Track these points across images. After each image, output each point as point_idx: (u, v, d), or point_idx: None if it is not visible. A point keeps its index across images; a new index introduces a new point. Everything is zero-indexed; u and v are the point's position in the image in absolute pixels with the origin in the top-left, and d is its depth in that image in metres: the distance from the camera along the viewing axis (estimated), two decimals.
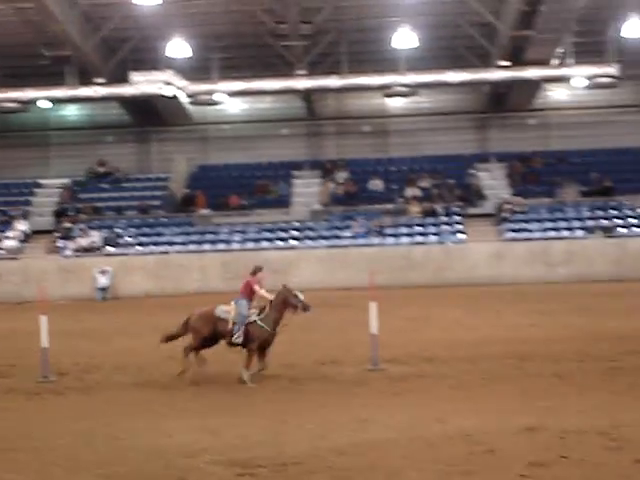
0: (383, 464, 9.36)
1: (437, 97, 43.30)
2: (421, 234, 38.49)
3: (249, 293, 14.96)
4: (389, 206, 40.15)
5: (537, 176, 42.03)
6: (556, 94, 43.49)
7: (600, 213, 38.74)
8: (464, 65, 38.27)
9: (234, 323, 14.70)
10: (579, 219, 38.59)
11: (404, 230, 38.87)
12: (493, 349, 17.18)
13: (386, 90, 38.53)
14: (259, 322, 14.70)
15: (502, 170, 42.47)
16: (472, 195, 40.75)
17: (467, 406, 12.11)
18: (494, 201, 40.04)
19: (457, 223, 39.02)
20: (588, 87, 37.96)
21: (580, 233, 37.68)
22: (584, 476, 8.67)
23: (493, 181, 41.80)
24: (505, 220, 38.70)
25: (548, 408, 11.74)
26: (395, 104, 43.76)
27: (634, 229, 37.57)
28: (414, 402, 12.64)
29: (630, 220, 38.16)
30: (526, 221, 38.68)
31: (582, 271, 35.20)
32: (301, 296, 14.86)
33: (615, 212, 38.84)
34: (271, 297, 14.87)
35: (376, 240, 38.16)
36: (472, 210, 39.87)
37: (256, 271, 15.18)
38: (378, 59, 39.69)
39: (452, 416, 11.44)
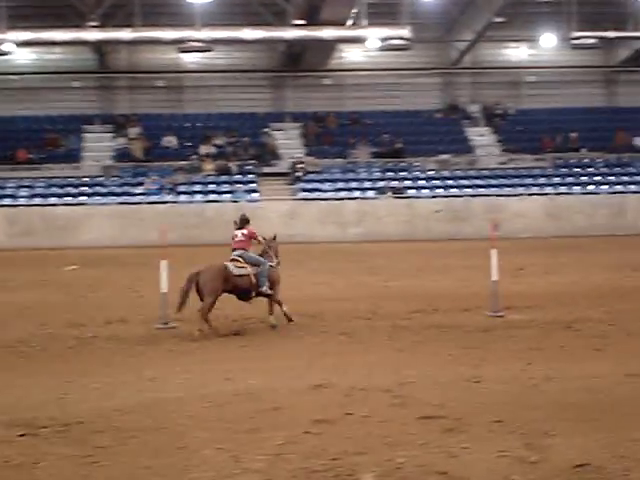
0: (169, 424, 9.17)
1: (233, 54, 43.02)
2: (215, 192, 38.29)
3: (248, 244, 15.27)
4: (183, 163, 39.71)
5: (331, 136, 42.50)
6: (351, 55, 43.98)
7: (391, 174, 39.58)
8: (260, 22, 38.08)
9: (255, 276, 14.84)
10: (370, 180, 39.31)
11: (198, 188, 38.57)
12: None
13: (181, 45, 37.89)
14: (273, 265, 15.27)
15: (296, 130, 42.74)
16: (266, 154, 40.81)
17: (256, 365, 12.05)
18: (288, 160, 40.25)
19: (251, 182, 39.02)
20: (382, 49, 38.53)
21: (371, 193, 38.40)
22: (368, 432, 8.74)
23: (287, 140, 42.00)
24: (299, 180, 38.98)
25: (335, 366, 11.82)
26: (190, 59, 43.15)
27: (423, 190, 38.62)
28: (203, 361, 12.47)
29: (419, 182, 39.19)
30: (319, 181, 39.09)
31: (373, 231, 35.90)
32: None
33: (405, 173, 39.78)
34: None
35: (169, 197, 37.68)
36: (266, 169, 39.96)
37: (246, 221, 15.51)
38: (173, 13, 38.97)
39: (240, 375, 11.35)
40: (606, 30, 37.37)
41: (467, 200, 36.81)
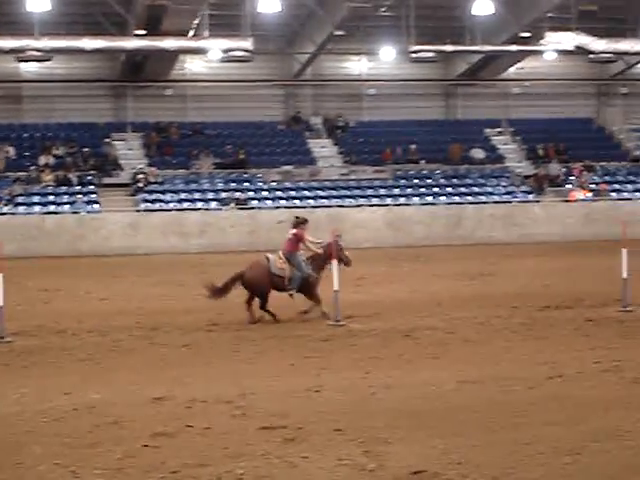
0: (5, 439, 8.97)
1: (73, 63, 42.14)
2: (54, 203, 37.46)
3: (297, 245, 16.16)
4: (21, 174, 38.71)
5: (173, 147, 42.20)
6: (193, 66, 43.78)
7: (234, 185, 39.58)
8: (100, 32, 37.47)
9: (289, 279, 16.01)
10: (213, 191, 39.22)
11: (36, 199, 37.65)
12: (124, 320, 16.98)
13: (19, 54, 36.91)
14: (313, 274, 16.19)
15: (138, 140, 42.25)
16: (107, 164, 40.21)
17: (95, 378, 11.87)
18: (129, 171, 39.76)
19: (91, 193, 38.36)
20: (224, 60, 38.51)
21: (214, 204, 38.31)
22: (208, 444, 8.72)
23: (129, 151, 41.49)
24: (140, 190, 38.54)
25: (176, 378, 11.75)
26: (29, 68, 42.08)
27: (266, 201, 38.77)
28: (41, 375, 12.21)
29: (262, 193, 39.33)
30: (161, 192, 38.76)
31: (216, 242, 35.79)
32: (346, 252, 16.62)
33: (248, 184, 39.86)
34: (317, 249, 16.43)
35: (6, 209, 36.67)
36: (107, 180, 39.36)
37: (300, 223, 16.37)
38: (12, 21, 37.90)
39: (80, 389, 11.17)
40: (444, 44, 38.36)
41: (310, 211, 37.08)
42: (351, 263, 16.87)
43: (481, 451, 8.45)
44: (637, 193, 38.79)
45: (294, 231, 16.42)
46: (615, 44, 37.77)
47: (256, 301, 16.54)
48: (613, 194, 38.73)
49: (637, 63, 42.99)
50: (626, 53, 39.43)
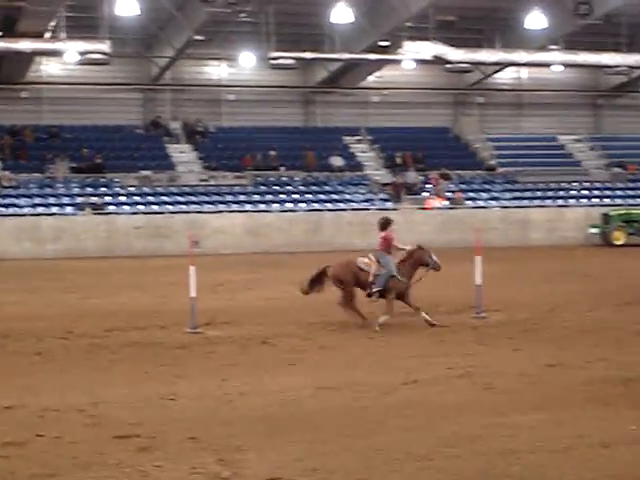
0: None
1: None
2: None
3: (388, 247, 16.19)
4: None
5: (27, 151, 41.17)
6: (49, 68, 42.85)
7: (90, 190, 38.87)
8: None
9: (375, 276, 15.90)
10: (69, 195, 38.43)
11: None
12: None
13: None
14: (398, 276, 16.01)
15: None
16: None
17: None
18: None
19: None
20: (81, 63, 37.79)
21: (70, 209, 37.53)
22: (59, 454, 8.50)
23: None
24: None
25: (28, 387, 11.42)
26: None
27: (123, 207, 38.21)
28: None
29: (120, 198, 38.74)
30: (15, 196, 37.77)
31: (72, 247, 35.08)
32: (434, 257, 16.48)
33: (105, 189, 39.21)
34: (406, 249, 16.45)
35: None
36: None
37: (387, 224, 16.44)
38: None
39: None
40: (303, 51, 38.55)
41: (168, 216, 36.78)
42: (440, 268, 16.75)
43: (336, 457, 8.46)
44: (491, 201, 39.75)
45: (383, 234, 16.51)
46: (472, 54, 38.66)
47: (359, 299, 16.59)
48: (468, 202, 39.59)
49: (493, 73, 44.11)
50: (483, 63, 40.43)
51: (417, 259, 16.56)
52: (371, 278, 16.19)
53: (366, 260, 16.41)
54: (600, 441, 9.07)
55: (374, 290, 16.23)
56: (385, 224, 16.66)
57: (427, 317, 16.28)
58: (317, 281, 16.81)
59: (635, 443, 9.06)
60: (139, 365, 13.06)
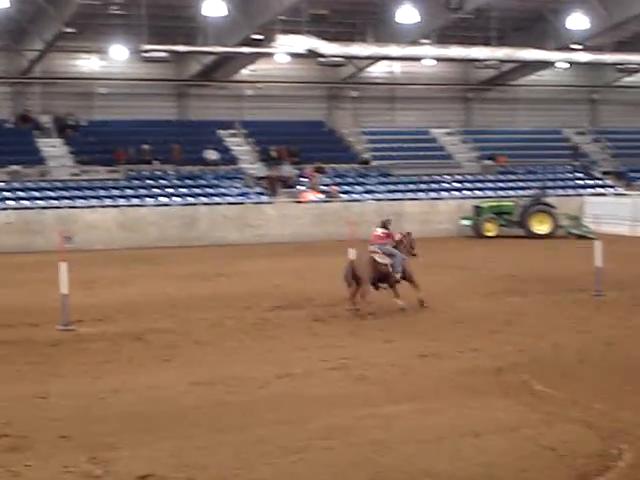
0: None
1: None
2: None
3: (386, 240, 17.83)
4: None
5: None
6: None
7: None
8: None
9: (391, 265, 17.45)
10: None
11: None
12: None
13: None
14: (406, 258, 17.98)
15: None
16: None
17: None
18: None
19: None
20: None
21: None
22: None
23: None
24: None
25: None
26: None
27: None
28: None
29: None
30: None
31: None
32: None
33: None
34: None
35: None
36: None
37: (388, 223, 18.22)
38: None
39: None
40: (176, 44, 38.16)
41: (39, 212, 35.94)
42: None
43: (209, 452, 8.44)
44: (366, 194, 40.11)
45: (384, 230, 18.02)
46: (345, 48, 38.88)
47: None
48: (343, 195, 39.88)
49: (367, 67, 44.48)
50: (356, 57, 40.68)
51: (409, 244, 18.47)
52: (390, 268, 17.54)
53: (380, 256, 17.58)
54: (470, 430, 9.28)
55: (398, 276, 17.67)
56: (386, 222, 18.36)
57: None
58: (353, 275, 17.38)
59: (504, 431, 9.29)
60: (9, 364, 12.79)
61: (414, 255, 18.53)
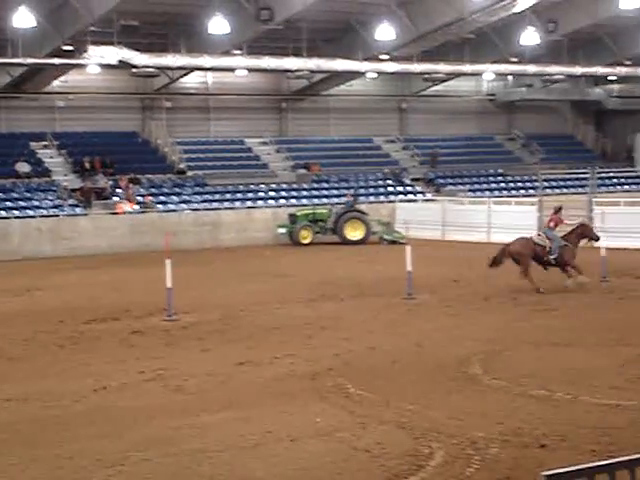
0: None
1: None
2: None
3: (555, 225, 20.56)
4: None
5: None
6: None
7: None
8: None
9: (550, 247, 19.98)
10: None
11: None
12: None
13: None
14: (569, 244, 20.21)
15: None
16: None
17: None
18: None
19: None
20: None
21: None
22: None
23: None
24: None
25: None
26: None
27: None
28: None
29: None
30: None
31: None
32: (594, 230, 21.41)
33: None
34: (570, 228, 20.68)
35: None
36: None
37: (559, 209, 20.84)
38: None
39: None
40: None
41: None
42: (599, 238, 21.08)
43: (22, 469, 8.32)
44: (182, 204, 39.98)
45: (555, 216, 20.69)
46: (157, 59, 38.68)
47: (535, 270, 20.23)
48: (159, 206, 39.62)
49: (180, 78, 44.30)
50: (168, 68, 40.51)
51: (581, 232, 20.74)
52: (547, 249, 20.00)
53: (540, 238, 20.41)
54: (287, 435, 9.45)
55: (552, 257, 20.05)
56: (558, 209, 20.94)
57: (584, 279, 20.14)
58: (499, 257, 20.26)
59: (320, 435, 9.49)
60: None
61: (593, 239, 20.92)
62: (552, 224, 20.84)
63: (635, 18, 42.36)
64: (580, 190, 37.47)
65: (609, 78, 51.15)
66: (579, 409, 10.25)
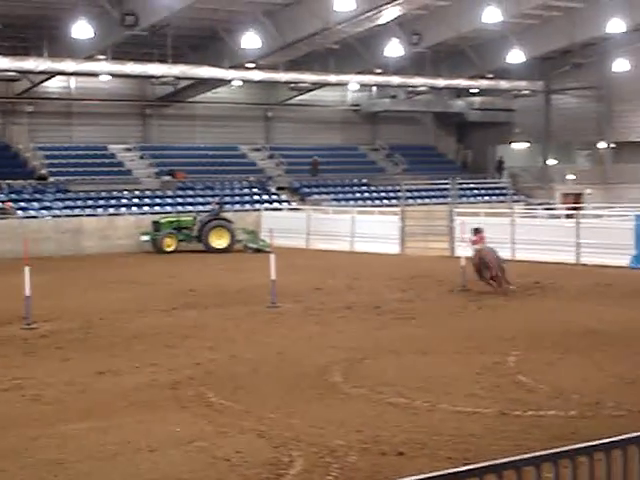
0: None
1: None
2: None
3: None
4: None
5: None
6: None
7: None
8: None
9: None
10: None
11: None
12: None
13: None
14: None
15: None
16: None
17: None
18: None
19: None
20: None
21: None
22: None
23: None
24: None
25: None
26: None
27: None
28: None
29: None
30: None
31: None
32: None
33: None
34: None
35: None
36: None
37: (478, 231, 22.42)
38: None
39: None
40: None
41: None
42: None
43: None
44: (43, 211, 39.18)
45: (475, 237, 22.32)
46: (19, 62, 37.91)
47: None
48: (19, 212, 38.74)
49: (42, 82, 43.45)
50: (30, 72, 39.73)
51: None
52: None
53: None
54: (147, 445, 9.39)
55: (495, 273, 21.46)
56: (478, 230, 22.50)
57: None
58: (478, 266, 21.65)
59: (180, 445, 9.46)
60: None
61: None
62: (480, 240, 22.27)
63: (497, 32, 43.56)
64: (442, 200, 38.19)
65: (471, 91, 52.49)
66: (437, 417, 10.47)
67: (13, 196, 39.88)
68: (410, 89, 49.10)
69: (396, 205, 37.75)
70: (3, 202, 38.69)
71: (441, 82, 48.26)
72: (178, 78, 41.64)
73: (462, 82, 49.19)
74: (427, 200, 43.65)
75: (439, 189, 40.38)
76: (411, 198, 41.79)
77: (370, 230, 34.54)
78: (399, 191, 38.47)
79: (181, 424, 10.23)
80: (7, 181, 40.78)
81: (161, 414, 10.69)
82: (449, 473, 5.03)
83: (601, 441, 5.51)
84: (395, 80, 46.89)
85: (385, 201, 45.21)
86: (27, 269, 17.27)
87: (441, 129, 55.70)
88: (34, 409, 10.92)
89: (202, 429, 10.02)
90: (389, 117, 52.53)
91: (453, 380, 12.34)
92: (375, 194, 47.08)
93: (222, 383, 12.25)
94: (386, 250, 32.97)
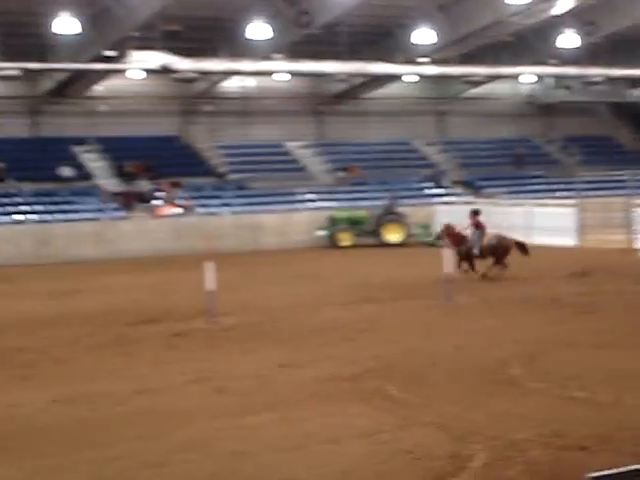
0: None
1: None
2: None
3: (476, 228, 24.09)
4: None
5: None
6: None
7: None
8: None
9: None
10: None
11: None
12: None
13: None
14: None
15: None
16: None
17: None
18: None
19: None
20: None
21: None
22: None
23: None
24: None
25: None
26: None
27: None
28: None
29: None
30: None
31: None
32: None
33: None
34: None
35: None
36: None
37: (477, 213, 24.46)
38: None
39: None
40: (29, 61, 37.46)
41: None
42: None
43: (66, 471, 8.44)
44: (223, 208, 40.21)
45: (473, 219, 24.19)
46: (198, 64, 38.93)
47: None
48: (200, 209, 39.87)
49: (220, 82, 44.59)
50: (209, 72, 40.81)
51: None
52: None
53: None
54: (329, 437, 9.50)
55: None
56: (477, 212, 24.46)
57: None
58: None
59: (362, 437, 9.54)
60: None
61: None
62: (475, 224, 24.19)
63: None
64: (619, 192, 37.13)
65: None
66: (621, 411, 10.24)
67: (194, 194, 41.08)
68: (585, 80, 47.90)
69: (572, 197, 36.96)
70: (185, 200, 39.91)
71: (616, 72, 46.83)
72: (352, 75, 41.92)
73: (638, 71, 47.59)
74: (604, 192, 42.53)
75: (616, 180, 39.28)
76: (587, 190, 40.80)
77: (546, 223, 33.94)
78: (575, 183, 37.66)
79: (362, 416, 10.31)
80: (188, 179, 42.05)
81: (342, 406, 10.81)
82: (636, 469, 4.94)
83: None
84: (570, 71, 45.75)
85: (561, 193, 44.26)
86: (210, 265, 17.77)
87: (617, 119, 54.12)
88: (219, 401, 11.23)
89: (383, 421, 10.07)
90: (563, 108, 51.39)
91: (637, 374, 12.03)
92: (551, 186, 46.15)
93: (401, 376, 12.30)
94: (562, 243, 32.39)
